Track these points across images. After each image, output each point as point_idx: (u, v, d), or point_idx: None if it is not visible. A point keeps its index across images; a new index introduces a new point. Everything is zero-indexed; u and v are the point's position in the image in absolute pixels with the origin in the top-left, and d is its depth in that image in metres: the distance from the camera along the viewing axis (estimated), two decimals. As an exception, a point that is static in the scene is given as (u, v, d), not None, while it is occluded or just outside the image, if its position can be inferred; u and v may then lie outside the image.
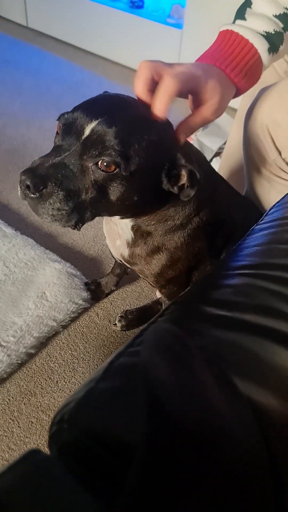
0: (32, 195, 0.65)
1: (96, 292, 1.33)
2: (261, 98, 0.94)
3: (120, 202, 0.71)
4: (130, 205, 0.73)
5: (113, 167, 0.66)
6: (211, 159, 1.84)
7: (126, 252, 0.92)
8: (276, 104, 0.91)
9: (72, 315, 1.26)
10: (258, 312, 0.51)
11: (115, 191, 0.69)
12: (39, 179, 0.64)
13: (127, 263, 0.96)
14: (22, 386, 1.10)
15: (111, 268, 1.33)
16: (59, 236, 1.55)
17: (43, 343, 1.20)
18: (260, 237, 0.70)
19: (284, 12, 0.78)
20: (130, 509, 0.31)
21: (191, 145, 0.85)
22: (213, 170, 0.94)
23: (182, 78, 0.67)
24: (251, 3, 0.82)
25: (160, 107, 0.67)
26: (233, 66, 0.75)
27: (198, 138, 1.85)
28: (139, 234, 0.86)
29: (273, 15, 0.78)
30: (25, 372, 1.13)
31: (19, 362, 1.14)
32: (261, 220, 0.77)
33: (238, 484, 0.31)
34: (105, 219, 0.98)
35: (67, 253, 1.47)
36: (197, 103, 0.73)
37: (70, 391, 1.09)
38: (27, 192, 0.65)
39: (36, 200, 0.66)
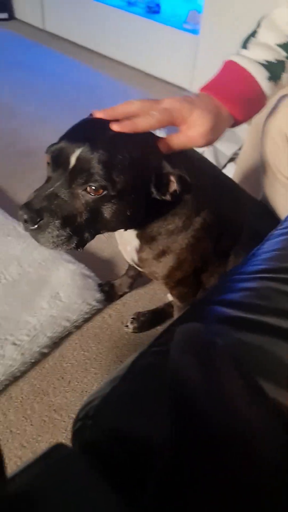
0: (32, 228, 0.71)
1: (109, 294, 1.33)
2: (281, 106, 0.95)
3: (114, 219, 0.75)
4: (125, 219, 0.77)
5: (100, 191, 0.70)
6: (225, 165, 1.85)
7: (135, 257, 0.95)
8: None
9: (85, 316, 1.27)
10: (279, 315, 0.51)
11: (107, 211, 0.73)
12: (35, 212, 0.70)
13: (138, 266, 0.99)
14: (35, 385, 1.11)
15: (125, 270, 1.33)
16: (73, 237, 1.56)
17: (56, 343, 1.20)
18: (280, 242, 0.71)
19: (286, 42, 0.78)
20: (155, 509, 0.32)
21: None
22: (216, 171, 0.95)
23: (161, 118, 0.71)
24: (255, 33, 0.83)
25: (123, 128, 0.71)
26: (230, 97, 0.77)
27: (213, 144, 1.86)
28: (144, 240, 0.89)
29: (275, 44, 0.79)
30: (38, 371, 1.14)
31: (33, 361, 1.15)
32: (280, 225, 0.77)
33: (265, 489, 0.31)
34: None
35: (81, 254, 1.47)
36: (186, 129, 0.75)
37: (83, 391, 1.10)
38: (27, 225, 0.71)
39: (35, 231, 0.72)
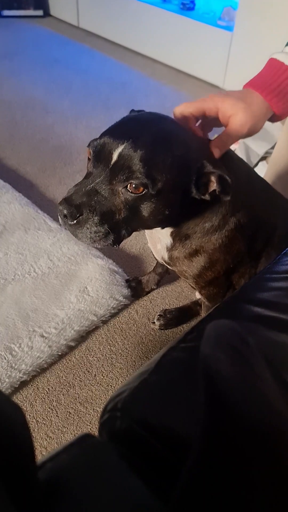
0: (71, 223, 0.72)
1: (136, 290, 1.34)
2: None
3: (152, 217, 0.75)
4: (162, 218, 0.77)
5: (141, 189, 0.70)
6: (257, 163, 1.83)
7: (166, 255, 0.94)
8: None
9: (112, 311, 1.28)
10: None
11: (145, 209, 0.73)
12: (75, 208, 0.70)
13: (168, 265, 0.99)
14: (62, 377, 1.12)
15: (152, 267, 1.34)
16: (102, 233, 1.57)
17: (83, 337, 1.22)
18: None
19: None
20: (185, 503, 0.32)
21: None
22: (251, 172, 0.93)
23: (193, 104, 0.76)
24: None
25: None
26: (265, 86, 0.79)
27: (245, 142, 1.84)
28: (178, 238, 0.88)
29: None
30: (64, 364, 1.16)
31: (60, 353, 1.16)
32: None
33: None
34: None
35: (109, 250, 1.49)
36: (226, 122, 0.78)
37: (108, 386, 1.11)
38: (66, 220, 0.72)
39: (74, 226, 0.72)
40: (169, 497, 0.34)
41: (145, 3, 2.87)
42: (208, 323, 0.38)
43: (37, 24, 3.51)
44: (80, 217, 0.71)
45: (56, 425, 1.03)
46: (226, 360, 0.32)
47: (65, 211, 0.70)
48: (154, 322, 1.27)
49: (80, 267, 1.38)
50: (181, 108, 0.77)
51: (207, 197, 0.76)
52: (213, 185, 0.75)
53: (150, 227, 0.82)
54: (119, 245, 0.77)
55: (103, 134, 0.73)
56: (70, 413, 1.05)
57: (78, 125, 2.22)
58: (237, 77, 2.55)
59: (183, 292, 1.38)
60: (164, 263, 1.00)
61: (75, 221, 0.71)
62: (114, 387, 1.11)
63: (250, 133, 0.77)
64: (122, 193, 0.71)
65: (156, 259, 1.12)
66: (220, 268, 0.90)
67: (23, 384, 1.10)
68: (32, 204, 1.63)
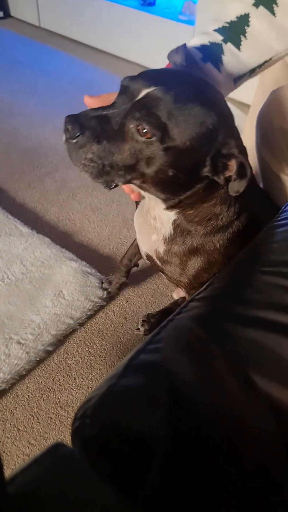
0: (70, 140, 0.68)
1: (110, 290, 1.34)
2: (275, 100, 0.94)
3: (153, 174, 0.70)
4: (165, 179, 0.71)
5: (149, 135, 0.65)
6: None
7: (162, 248, 0.89)
8: None
9: (89, 313, 1.28)
10: (274, 309, 0.52)
11: (148, 160, 0.68)
12: (79, 125, 0.66)
13: (160, 260, 0.92)
14: (41, 382, 1.12)
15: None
16: (75, 235, 1.56)
17: (60, 341, 1.21)
18: (277, 234, 0.71)
19: (223, 26, 0.82)
20: (153, 502, 0.33)
21: None
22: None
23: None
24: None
25: None
26: None
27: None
28: (179, 231, 0.85)
29: (212, 30, 0.83)
30: (43, 369, 1.15)
31: (38, 359, 1.16)
32: (277, 217, 0.77)
33: (258, 477, 0.32)
34: (140, 212, 0.95)
35: (82, 252, 1.48)
36: None
37: (88, 388, 1.11)
38: (67, 137, 0.68)
39: (72, 145, 0.68)
40: (139, 499, 0.35)
41: (105, 0, 2.85)
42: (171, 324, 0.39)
43: (-3, 25, 3.46)
44: (80, 137, 0.67)
45: (38, 432, 1.02)
46: (185, 361, 0.33)
47: (68, 126, 0.67)
48: (138, 329, 1.25)
49: (54, 270, 1.37)
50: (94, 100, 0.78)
51: (221, 179, 0.72)
52: (232, 170, 0.71)
53: (153, 186, 0.74)
54: (112, 188, 0.73)
55: (140, 74, 0.70)
56: (51, 418, 1.05)
57: (45, 126, 2.19)
58: (201, 70, 2.56)
59: (158, 289, 1.39)
60: (155, 258, 0.94)
61: (75, 140, 0.67)
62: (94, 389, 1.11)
63: None
64: (131, 132, 0.67)
65: (141, 255, 1.04)
66: (216, 270, 0.87)
67: (2, 392, 1.09)
68: (2, 210, 1.61)
